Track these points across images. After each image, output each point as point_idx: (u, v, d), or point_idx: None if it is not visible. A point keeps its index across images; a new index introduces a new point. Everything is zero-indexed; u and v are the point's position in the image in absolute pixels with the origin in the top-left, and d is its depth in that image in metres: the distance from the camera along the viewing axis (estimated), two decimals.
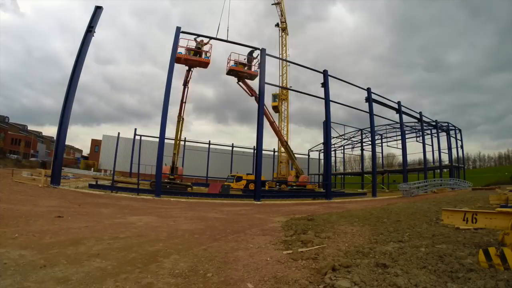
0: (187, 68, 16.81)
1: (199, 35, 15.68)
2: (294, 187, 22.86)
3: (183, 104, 17.09)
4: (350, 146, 39.42)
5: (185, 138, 34.84)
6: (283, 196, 17.73)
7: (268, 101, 27.83)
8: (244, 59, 17.55)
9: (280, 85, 29.86)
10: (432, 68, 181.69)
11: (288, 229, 5.56)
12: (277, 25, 33.44)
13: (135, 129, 34.59)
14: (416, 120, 28.20)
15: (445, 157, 31.96)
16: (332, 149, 37.76)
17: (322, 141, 30.74)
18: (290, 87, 28.89)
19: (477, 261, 2.84)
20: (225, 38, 15.84)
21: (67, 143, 16.65)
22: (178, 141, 17.54)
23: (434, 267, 2.88)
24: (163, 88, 13.70)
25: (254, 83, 17.61)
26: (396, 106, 24.65)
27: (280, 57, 29.92)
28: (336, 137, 30.73)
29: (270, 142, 36.59)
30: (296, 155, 24.76)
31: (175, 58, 14.45)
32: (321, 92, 18.49)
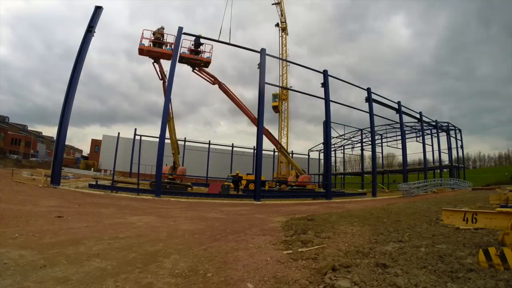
0: (153, 61, 16.05)
1: (200, 36, 15.68)
2: (294, 187, 22.85)
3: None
4: (350, 146, 39.43)
5: (185, 138, 34.86)
6: (283, 196, 17.72)
7: (267, 102, 27.82)
8: (191, 44, 16.46)
9: (280, 85, 29.89)
10: (463, 77, 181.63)
11: (288, 229, 5.56)
12: (277, 25, 33.46)
13: (135, 129, 34.58)
14: (416, 120, 28.20)
15: (445, 157, 32.01)
16: (332, 149, 37.76)
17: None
18: (291, 87, 28.94)
19: (477, 261, 2.84)
20: (226, 39, 15.84)
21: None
22: (175, 142, 17.43)
23: (434, 267, 2.88)
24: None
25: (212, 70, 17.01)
26: (396, 106, 24.66)
27: (280, 57, 29.93)
28: (336, 137, 30.75)
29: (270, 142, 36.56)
30: (296, 155, 24.81)
31: (138, 50, 14.61)
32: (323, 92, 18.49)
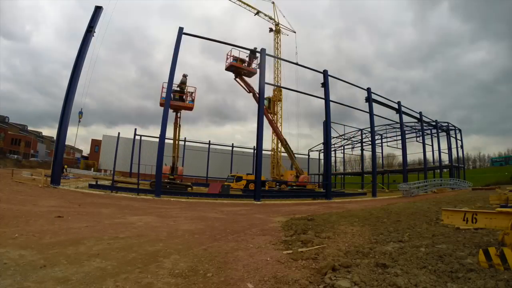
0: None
1: (200, 37, 15.65)
2: (294, 187, 22.86)
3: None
4: (350, 146, 39.43)
5: (185, 138, 34.86)
6: (283, 196, 17.72)
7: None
8: (246, 56, 17.53)
9: (275, 85, 29.90)
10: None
11: (288, 229, 5.56)
12: (271, 30, 33.82)
13: (135, 129, 34.55)
14: (416, 120, 28.21)
15: (445, 157, 32.01)
16: (332, 149, 37.76)
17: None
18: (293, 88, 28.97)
19: (477, 261, 2.84)
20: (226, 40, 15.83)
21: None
22: (177, 146, 17.68)
23: (434, 267, 2.88)
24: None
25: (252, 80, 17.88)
26: (396, 106, 24.66)
27: (280, 57, 29.91)
28: (336, 137, 30.75)
29: (271, 142, 36.49)
30: (296, 155, 24.82)
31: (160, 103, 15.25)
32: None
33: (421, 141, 28.32)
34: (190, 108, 17.01)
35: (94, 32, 14.66)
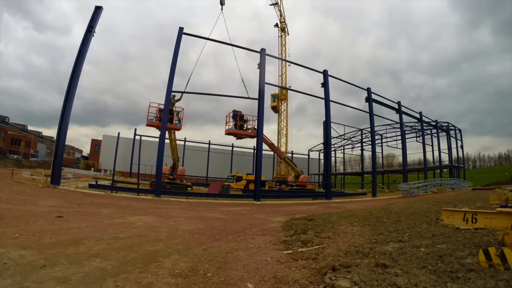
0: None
1: (200, 37, 15.65)
2: (294, 187, 22.86)
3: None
4: (350, 146, 39.44)
5: (185, 138, 34.88)
6: (283, 196, 17.72)
7: (267, 102, 27.89)
8: (246, 118, 17.34)
9: (280, 85, 29.90)
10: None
11: (288, 229, 5.56)
12: (276, 25, 33.47)
13: (135, 129, 34.55)
14: (416, 120, 28.21)
15: (445, 157, 32.02)
16: (332, 149, 37.76)
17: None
18: (289, 87, 28.97)
19: (477, 261, 2.84)
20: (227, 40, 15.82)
21: None
22: (176, 151, 17.83)
23: (434, 267, 2.88)
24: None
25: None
26: (396, 106, 24.66)
27: (280, 57, 29.93)
28: (336, 137, 30.75)
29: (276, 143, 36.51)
30: (296, 155, 25.04)
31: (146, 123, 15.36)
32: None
33: (421, 141, 28.32)
34: (178, 129, 17.07)
35: (94, 32, 14.66)
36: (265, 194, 17.02)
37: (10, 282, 2.48)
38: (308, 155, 40.96)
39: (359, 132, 33.95)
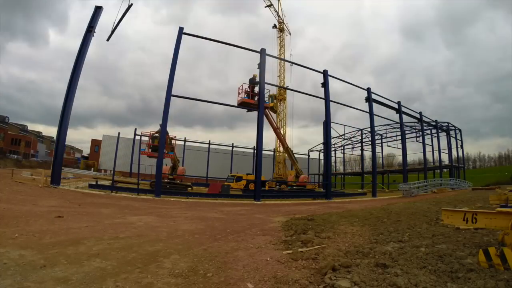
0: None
1: (200, 37, 15.66)
2: (294, 187, 22.87)
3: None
4: (350, 146, 39.44)
5: (185, 138, 34.88)
6: (283, 196, 17.72)
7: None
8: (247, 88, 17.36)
9: (278, 85, 29.91)
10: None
11: (288, 229, 5.56)
12: (274, 26, 33.51)
13: (135, 129, 34.56)
14: (416, 120, 28.20)
15: (445, 157, 32.01)
16: (332, 149, 37.76)
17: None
18: (287, 86, 29.03)
19: (477, 261, 2.84)
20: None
21: None
22: (176, 159, 18.18)
23: (434, 267, 2.88)
24: None
25: None
26: (396, 106, 24.66)
27: (278, 57, 29.92)
28: (336, 137, 30.76)
29: (271, 142, 36.63)
30: (296, 155, 25.07)
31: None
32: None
33: (421, 141, 28.32)
34: (171, 157, 17.48)
35: (94, 32, 14.67)
36: (265, 194, 17.01)
37: (10, 282, 2.48)
38: (308, 155, 40.97)
39: (359, 132, 33.96)
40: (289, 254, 3.71)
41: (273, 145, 34.18)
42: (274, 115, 29.67)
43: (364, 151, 35.61)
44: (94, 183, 16.28)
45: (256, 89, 17.07)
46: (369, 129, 23.49)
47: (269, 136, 31.95)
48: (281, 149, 32.14)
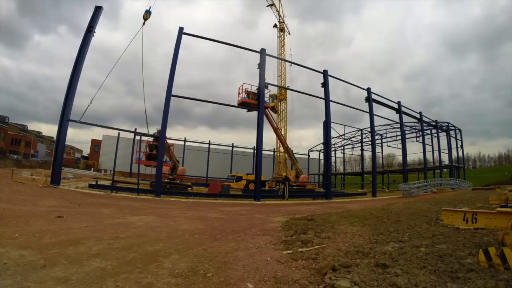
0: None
1: (200, 37, 15.66)
2: (294, 187, 22.86)
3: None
4: (350, 146, 39.45)
5: (185, 138, 34.86)
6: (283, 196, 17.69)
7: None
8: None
9: (278, 85, 29.89)
10: None
11: (288, 229, 5.56)
12: (275, 25, 33.49)
13: (135, 129, 34.59)
14: (416, 120, 28.20)
15: (445, 157, 32.02)
16: (332, 149, 37.76)
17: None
18: (288, 86, 29.01)
19: (477, 261, 2.84)
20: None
21: None
22: (175, 161, 18.36)
23: (434, 267, 2.88)
24: None
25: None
26: (396, 106, 24.65)
27: (279, 57, 29.90)
28: (336, 137, 30.76)
29: (270, 142, 36.69)
30: (296, 155, 25.20)
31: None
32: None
33: (421, 141, 28.32)
34: (170, 166, 17.57)
35: (94, 32, 14.66)
36: (265, 194, 17.01)
37: (10, 282, 2.48)
38: (308, 155, 40.96)
39: (359, 132, 33.95)
40: (289, 254, 3.71)
41: (273, 145, 34.17)
42: (274, 115, 29.78)
43: (364, 151, 35.62)
44: (94, 183, 16.29)
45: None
46: (369, 129, 23.49)
47: (269, 137, 32.01)
48: (281, 149, 32.20)
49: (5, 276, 2.60)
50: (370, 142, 25.37)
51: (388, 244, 4.10)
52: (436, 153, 30.96)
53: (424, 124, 28.51)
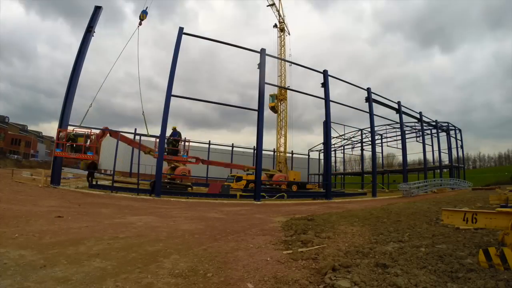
0: None
1: (200, 37, 15.66)
2: (267, 186, 22.91)
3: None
4: (350, 146, 39.44)
5: (185, 138, 34.80)
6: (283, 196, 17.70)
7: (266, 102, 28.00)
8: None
9: (278, 85, 29.91)
10: None
11: (288, 229, 5.56)
12: (275, 25, 33.50)
13: (135, 129, 34.57)
14: (416, 120, 28.20)
15: (445, 157, 32.02)
16: (332, 149, 37.76)
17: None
18: (288, 86, 29.02)
19: (477, 261, 2.84)
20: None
21: None
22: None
23: (434, 267, 2.88)
24: None
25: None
26: (396, 106, 24.65)
27: (279, 57, 29.92)
28: (336, 137, 30.76)
29: (270, 142, 36.69)
30: (296, 155, 25.29)
31: None
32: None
33: (421, 141, 28.32)
34: (185, 161, 17.34)
35: (94, 32, 14.66)
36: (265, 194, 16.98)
37: (10, 282, 2.48)
38: (308, 155, 40.96)
39: (359, 132, 33.95)
40: (289, 254, 3.71)
41: (273, 145, 34.20)
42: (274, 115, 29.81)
43: (364, 151, 35.62)
44: (94, 183, 16.26)
45: None
46: (369, 129, 23.49)
47: (268, 139, 31.99)
48: (281, 148, 32.23)
49: (5, 276, 2.60)
50: (370, 142, 25.37)
51: (388, 244, 4.10)
52: (436, 153, 31.00)
53: (424, 124, 28.51)
